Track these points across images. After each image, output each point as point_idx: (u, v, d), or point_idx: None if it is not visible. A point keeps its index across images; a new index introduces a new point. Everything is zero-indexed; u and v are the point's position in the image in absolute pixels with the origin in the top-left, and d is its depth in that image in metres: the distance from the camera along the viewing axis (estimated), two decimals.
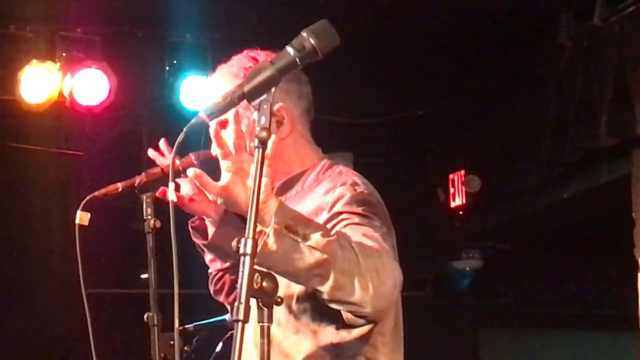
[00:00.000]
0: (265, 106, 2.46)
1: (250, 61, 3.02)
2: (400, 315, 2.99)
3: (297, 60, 2.47)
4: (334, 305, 2.64)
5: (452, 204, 6.85)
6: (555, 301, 9.22)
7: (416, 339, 3.19)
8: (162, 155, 3.12)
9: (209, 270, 3.14)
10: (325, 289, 2.55)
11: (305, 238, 2.55)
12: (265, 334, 2.40)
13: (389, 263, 2.65)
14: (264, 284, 2.36)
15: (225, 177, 2.66)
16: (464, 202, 6.80)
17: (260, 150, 2.41)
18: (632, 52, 5.16)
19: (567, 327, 9.44)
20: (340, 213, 2.76)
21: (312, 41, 2.45)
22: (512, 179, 6.87)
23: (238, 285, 2.36)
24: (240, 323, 2.30)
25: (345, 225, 2.71)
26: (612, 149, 5.83)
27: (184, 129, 2.62)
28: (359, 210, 2.76)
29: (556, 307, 9.31)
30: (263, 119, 2.41)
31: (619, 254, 6.18)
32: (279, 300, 2.42)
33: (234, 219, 3.02)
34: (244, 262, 2.32)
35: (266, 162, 2.51)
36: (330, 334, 2.84)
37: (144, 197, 3.06)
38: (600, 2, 5.21)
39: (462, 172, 6.89)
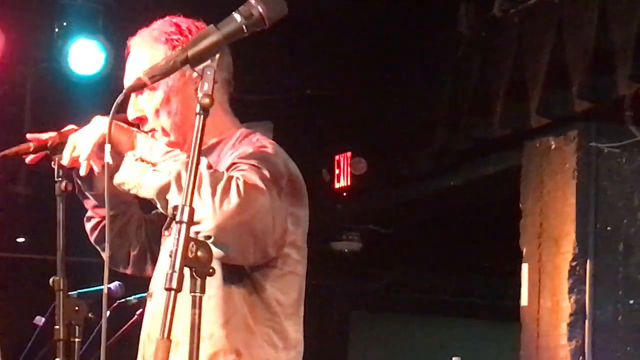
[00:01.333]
0: (209, 72, 2.45)
1: (172, 26, 3.02)
2: (303, 293, 3.06)
3: (244, 27, 2.46)
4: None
5: (337, 185, 6.93)
6: (431, 288, 9.34)
7: None
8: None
9: (89, 215, 3.14)
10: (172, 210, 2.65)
11: (154, 165, 2.72)
12: (197, 304, 2.42)
13: (246, 190, 2.71)
14: (199, 253, 2.37)
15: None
16: (349, 184, 6.89)
17: (202, 117, 2.41)
18: (529, 45, 5.29)
19: (440, 314, 9.61)
20: (234, 163, 2.84)
21: (260, 9, 2.44)
22: (401, 164, 6.93)
23: (172, 253, 2.37)
24: (173, 292, 2.31)
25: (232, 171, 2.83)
26: (504, 139, 5.92)
27: (124, 91, 2.62)
28: (253, 162, 2.83)
29: (431, 294, 9.38)
30: (206, 85, 2.41)
31: (504, 244, 6.28)
32: (212, 270, 2.43)
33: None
34: (179, 230, 2.33)
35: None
36: (240, 300, 2.91)
37: (56, 159, 3.02)
38: None
39: (349, 154, 6.92)
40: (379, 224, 7.84)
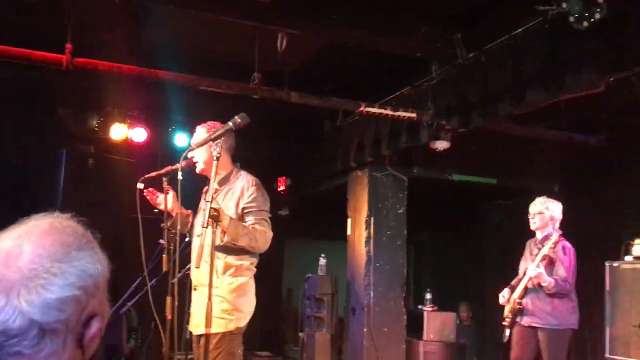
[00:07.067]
0: (219, 144, 2.82)
1: (211, 125, 3.15)
2: None
3: (233, 128, 2.80)
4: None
5: None
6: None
7: None
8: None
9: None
10: (238, 244, 2.93)
11: (229, 237, 2.84)
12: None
13: (267, 235, 2.96)
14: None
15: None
16: None
17: (216, 161, 2.80)
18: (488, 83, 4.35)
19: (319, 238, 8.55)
20: (250, 208, 2.99)
21: (239, 120, 2.78)
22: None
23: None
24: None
25: (252, 215, 2.98)
26: (342, 171, 6.14)
27: (185, 152, 2.86)
28: (259, 207, 3.01)
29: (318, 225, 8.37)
30: (217, 150, 2.82)
31: (342, 215, 6.20)
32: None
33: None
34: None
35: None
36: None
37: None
38: (459, 52, 4.42)
39: None
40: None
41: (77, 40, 3.82)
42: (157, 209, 3.01)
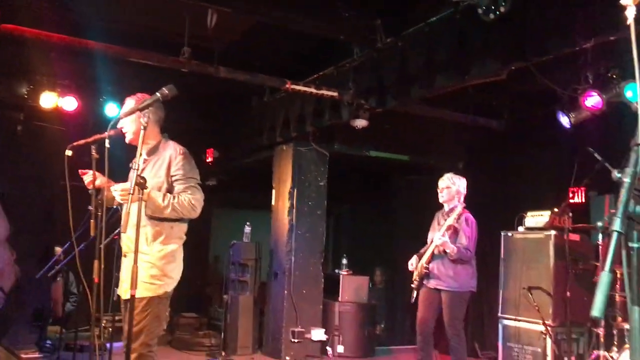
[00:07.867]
0: (146, 115, 2.65)
1: (141, 96, 2.99)
2: None
3: (161, 98, 2.67)
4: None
5: None
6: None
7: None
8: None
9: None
10: (162, 216, 2.84)
11: (149, 210, 2.77)
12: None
13: (194, 202, 2.80)
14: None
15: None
16: None
17: (144, 130, 2.64)
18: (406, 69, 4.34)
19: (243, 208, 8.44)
20: (177, 175, 2.86)
21: (167, 91, 2.64)
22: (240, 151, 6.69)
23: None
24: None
25: (180, 183, 2.86)
26: (267, 146, 6.10)
27: (113, 120, 2.69)
28: (186, 175, 2.88)
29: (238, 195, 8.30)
30: (145, 119, 2.65)
31: (267, 187, 6.22)
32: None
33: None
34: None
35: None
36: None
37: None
38: (379, 37, 4.44)
39: None
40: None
41: (4, 6, 3.67)
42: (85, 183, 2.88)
